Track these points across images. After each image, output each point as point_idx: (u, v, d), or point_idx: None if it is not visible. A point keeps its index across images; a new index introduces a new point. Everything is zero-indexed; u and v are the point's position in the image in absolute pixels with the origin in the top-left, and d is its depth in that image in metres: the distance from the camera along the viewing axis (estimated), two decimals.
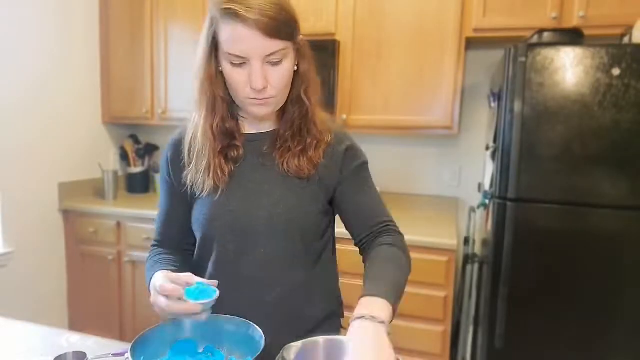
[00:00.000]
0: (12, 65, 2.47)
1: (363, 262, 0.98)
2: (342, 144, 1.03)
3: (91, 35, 2.94)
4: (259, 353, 0.79)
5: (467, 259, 2.49)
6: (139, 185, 3.18)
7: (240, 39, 0.84)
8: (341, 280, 1.16)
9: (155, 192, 3.21)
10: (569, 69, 1.75)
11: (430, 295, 2.15)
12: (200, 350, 0.90)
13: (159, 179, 3.14)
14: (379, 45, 2.40)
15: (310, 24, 2.51)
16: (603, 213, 1.78)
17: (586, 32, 1.92)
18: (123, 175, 3.23)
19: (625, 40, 1.91)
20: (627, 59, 1.70)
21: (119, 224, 2.68)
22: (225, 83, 0.94)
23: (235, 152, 0.99)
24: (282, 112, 1.00)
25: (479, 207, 2.20)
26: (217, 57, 0.92)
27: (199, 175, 0.98)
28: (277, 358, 0.76)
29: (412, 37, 2.35)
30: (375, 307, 0.77)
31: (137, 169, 3.16)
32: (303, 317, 1.03)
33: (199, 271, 1.01)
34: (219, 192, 0.98)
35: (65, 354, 0.90)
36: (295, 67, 0.95)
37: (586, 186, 1.77)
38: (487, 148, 2.14)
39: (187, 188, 1.01)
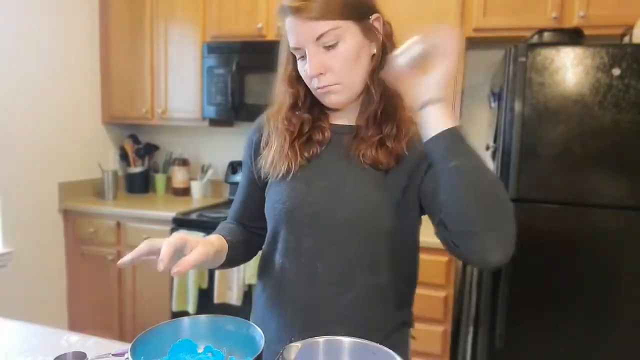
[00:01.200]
0: (12, 66, 2.47)
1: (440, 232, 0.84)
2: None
3: (91, 35, 2.94)
4: (259, 353, 0.79)
5: None
6: (138, 185, 3.18)
7: (290, 30, 0.86)
8: None
9: (155, 192, 3.21)
10: (569, 69, 1.75)
11: (431, 295, 2.15)
12: (200, 351, 0.90)
13: (161, 180, 3.14)
14: None
15: None
16: (603, 213, 1.78)
17: (586, 32, 1.92)
18: (123, 175, 3.23)
19: (626, 40, 1.91)
20: (628, 59, 1.70)
21: (118, 224, 2.68)
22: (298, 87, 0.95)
23: (320, 135, 0.94)
24: (362, 105, 0.94)
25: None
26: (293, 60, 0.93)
27: (274, 154, 0.95)
28: (277, 358, 0.76)
29: (412, 37, 2.34)
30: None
31: (137, 169, 3.16)
32: (375, 324, 0.95)
33: (267, 263, 1.00)
34: (298, 178, 0.93)
35: (65, 354, 0.90)
36: (374, 52, 0.89)
37: (586, 186, 1.77)
38: (487, 148, 2.14)
39: (262, 170, 0.98)
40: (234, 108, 2.62)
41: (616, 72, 1.71)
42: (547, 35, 1.88)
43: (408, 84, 0.79)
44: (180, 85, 2.82)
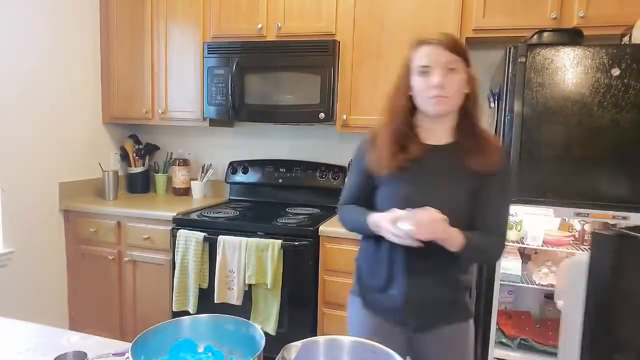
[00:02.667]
0: (12, 66, 2.47)
1: None
2: (506, 161, 1.35)
3: (91, 36, 2.94)
4: (258, 353, 0.79)
5: None
6: (139, 185, 3.18)
7: (427, 53, 1.23)
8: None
9: (155, 192, 3.21)
10: (569, 69, 1.75)
11: None
12: (200, 350, 0.90)
13: (161, 180, 3.14)
14: (379, 45, 2.40)
15: (310, 24, 2.52)
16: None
17: (586, 32, 1.92)
18: (123, 175, 3.23)
19: (625, 40, 1.91)
20: (627, 59, 1.70)
21: (119, 224, 2.68)
22: (409, 98, 1.28)
23: (415, 149, 1.28)
24: (456, 127, 1.31)
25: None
26: (408, 83, 1.27)
27: (378, 159, 1.31)
28: (277, 358, 0.76)
29: (412, 37, 2.34)
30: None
31: (137, 169, 3.16)
32: (453, 302, 1.35)
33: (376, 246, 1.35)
34: (406, 182, 1.28)
35: (66, 353, 0.90)
36: (467, 91, 1.25)
37: (586, 186, 1.78)
38: None
39: (371, 169, 1.34)
40: (234, 108, 2.63)
41: (615, 72, 1.71)
42: (546, 36, 1.89)
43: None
44: (181, 86, 2.83)
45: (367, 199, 1.38)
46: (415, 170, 1.28)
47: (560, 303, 1.84)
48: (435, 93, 1.21)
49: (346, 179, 1.44)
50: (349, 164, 1.35)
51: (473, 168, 1.25)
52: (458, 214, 1.23)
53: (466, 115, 1.28)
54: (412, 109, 1.30)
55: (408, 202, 1.21)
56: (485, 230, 1.26)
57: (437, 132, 1.31)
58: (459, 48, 1.22)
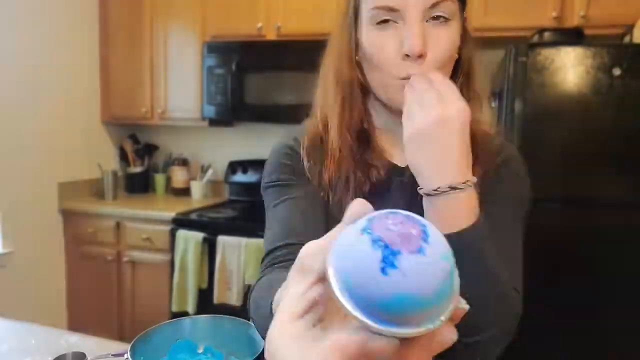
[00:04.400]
0: (11, 65, 2.47)
1: None
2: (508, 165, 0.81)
3: (91, 35, 2.94)
4: (259, 353, 0.79)
5: None
6: (138, 185, 3.17)
7: None
8: None
9: (155, 192, 3.20)
10: (570, 69, 1.75)
11: None
12: (200, 351, 0.89)
13: (160, 180, 3.14)
14: None
15: (310, 24, 2.51)
16: (604, 212, 1.77)
17: (587, 31, 1.92)
18: (122, 175, 3.22)
19: (626, 40, 1.91)
20: (628, 58, 1.69)
21: (118, 224, 2.67)
22: (356, 67, 0.71)
23: (376, 173, 0.73)
24: None
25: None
26: (353, 39, 0.70)
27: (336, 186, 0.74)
28: None
29: None
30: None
31: (136, 169, 3.15)
32: None
33: None
34: None
35: (65, 354, 0.90)
36: (457, 55, 0.69)
37: (587, 186, 1.77)
38: None
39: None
40: (234, 108, 2.62)
41: (616, 72, 1.71)
42: (547, 35, 1.88)
43: None
44: (180, 85, 2.82)
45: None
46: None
47: None
48: (409, 70, 0.63)
49: (270, 215, 0.78)
50: (265, 187, 0.82)
51: None
52: None
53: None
54: (362, 89, 0.74)
55: None
56: None
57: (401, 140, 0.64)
58: None
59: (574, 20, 2.09)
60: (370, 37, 0.66)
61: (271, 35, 2.59)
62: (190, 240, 2.37)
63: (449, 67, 0.68)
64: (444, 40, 0.64)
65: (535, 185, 1.86)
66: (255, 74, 2.57)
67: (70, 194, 2.85)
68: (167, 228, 2.52)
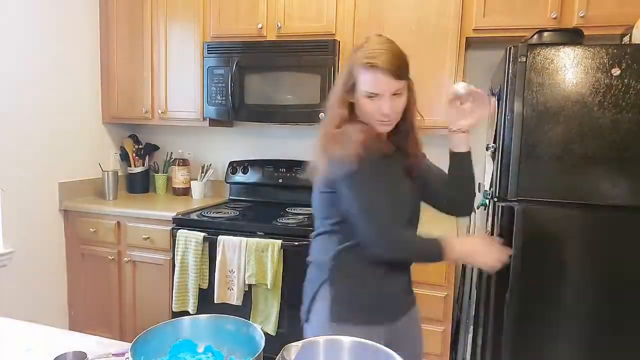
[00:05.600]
0: (12, 65, 2.47)
1: None
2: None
3: (91, 35, 2.94)
4: (259, 353, 0.79)
5: None
6: (139, 185, 3.18)
7: (375, 81, 1.22)
8: None
9: (155, 192, 3.21)
10: (569, 69, 1.75)
11: (430, 295, 2.15)
12: (200, 351, 0.90)
13: (161, 180, 3.13)
14: None
15: (310, 24, 2.51)
16: (603, 213, 1.77)
17: (586, 31, 1.92)
18: (123, 175, 3.23)
19: (625, 40, 1.91)
20: (627, 59, 1.69)
21: (119, 224, 2.68)
22: (349, 111, 1.30)
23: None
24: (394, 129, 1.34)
25: (478, 207, 2.19)
26: (352, 93, 1.28)
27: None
28: (277, 358, 0.76)
29: (412, 37, 2.35)
30: None
31: (137, 169, 3.16)
32: None
33: None
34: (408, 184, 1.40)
35: (65, 353, 0.90)
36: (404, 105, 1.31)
37: (586, 186, 1.77)
38: (487, 148, 2.14)
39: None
40: (234, 108, 2.63)
41: (616, 72, 1.71)
42: (546, 35, 1.88)
43: (454, 109, 1.35)
44: (181, 85, 2.83)
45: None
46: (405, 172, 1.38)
47: None
48: (383, 118, 1.25)
49: (371, 195, 1.24)
50: (357, 175, 1.21)
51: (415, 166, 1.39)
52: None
53: (404, 120, 1.32)
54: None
55: (416, 209, 1.40)
56: None
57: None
58: (404, 71, 1.24)
59: (573, 20, 2.09)
60: (363, 102, 1.27)
61: (272, 36, 2.59)
62: (190, 239, 2.37)
63: (400, 114, 1.30)
64: (399, 104, 1.28)
65: (534, 186, 1.87)
66: (256, 74, 2.57)
67: (71, 193, 2.85)
68: (167, 228, 2.53)
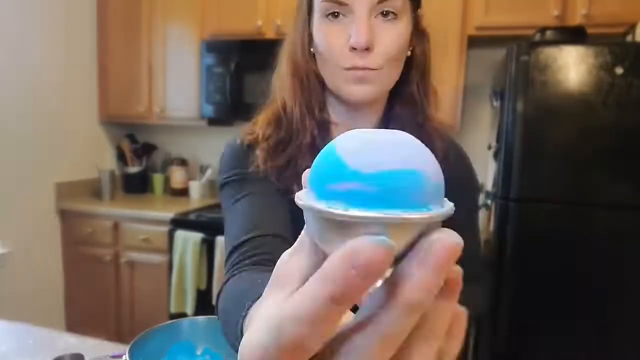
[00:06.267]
0: (8, 65, 2.45)
1: None
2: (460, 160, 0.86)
3: (88, 34, 2.92)
4: None
5: None
6: (136, 185, 3.16)
7: None
8: None
9: (153, 192, 3.18)
10: (572, 68, 1.74)
11: None
12: (198, 353, 0.89)
13: (159, 180, 3.12)
14: None
15: None
16: (606, 212, 1.76)
17: (589, 30, 1.91)
18: (120, 176, 3.20)
19: (628, 38, 1.90)
20: (630, 57, 1.69)
21: (116, 225, 2.65)
22: (312, 59, 0.73)
23: None
24: (385, 115, 0.77)
25: (480, 207, 2.19)
26: (308, 31, 0.72)
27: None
28: None
29: None
30: None
31: (134, 169, 3.14)
32: None
33: None
34: None
35: (63, 355, 0.89)
36: (409, 51, 0.73)
37: (589, 185, 1.76)
38: (490, 147, 2.13)
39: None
40: (233, 107, 2.61)
41: (619, 70, 1.70)
42: (549, 34, 1.87)
43: None
44: (179, 84, 2.81)
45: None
46: None
47: None
48: (355, 62, 0.66)
49: (231, 211, 0.76)
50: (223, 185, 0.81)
51: None
52: None
53: (405, 98, 0.76)
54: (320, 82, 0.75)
55: None
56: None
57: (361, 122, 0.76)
58: None
59: (576, 18, 2.08)
60: (320, 29, 0.69)
61: (271, 34, 2.57)
62: (188, 240, 2.35)
63: (399, 62, 0.71)
64: (391, 36, 0.66)
65: (537, 185, 1.86)
66: (255, 73, 2.55)
67: (68, 194, 2.83)
68: (165, 228, 2.51)
